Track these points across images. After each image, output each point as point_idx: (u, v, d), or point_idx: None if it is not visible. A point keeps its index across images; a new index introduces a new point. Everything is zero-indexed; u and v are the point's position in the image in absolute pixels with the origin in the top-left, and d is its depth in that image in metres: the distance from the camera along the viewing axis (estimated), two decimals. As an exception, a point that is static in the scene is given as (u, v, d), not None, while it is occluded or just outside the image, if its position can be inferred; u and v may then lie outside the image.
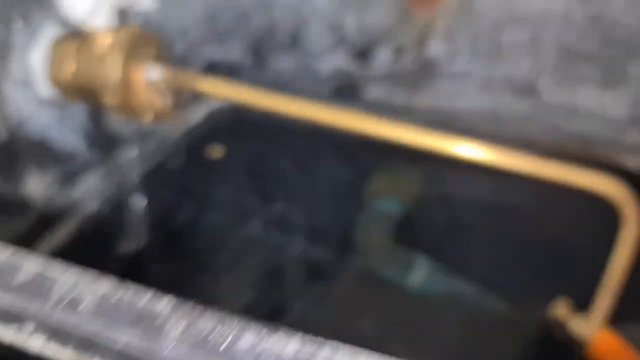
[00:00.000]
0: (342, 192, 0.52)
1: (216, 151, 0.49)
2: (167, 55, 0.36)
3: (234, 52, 0.53)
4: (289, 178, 0.54)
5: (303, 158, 0.53)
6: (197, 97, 0.53)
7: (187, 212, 0.47)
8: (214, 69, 0.54)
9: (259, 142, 0.53)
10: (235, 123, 0.54)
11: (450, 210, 0.47)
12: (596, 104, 0.45)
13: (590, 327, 0.34)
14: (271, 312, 0.47)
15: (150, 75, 0.34)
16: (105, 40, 0.33)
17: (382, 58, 0.49)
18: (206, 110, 0.54)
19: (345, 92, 0.51)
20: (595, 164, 0.47)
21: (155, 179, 0.46)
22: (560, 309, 0.36)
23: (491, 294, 0.43)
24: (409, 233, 0.47)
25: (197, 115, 0.53)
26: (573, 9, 0.42)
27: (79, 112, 0.39)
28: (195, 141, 0.51)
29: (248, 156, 0.53)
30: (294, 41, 0.51)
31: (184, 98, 0.42)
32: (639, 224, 0.31)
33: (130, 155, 0.44)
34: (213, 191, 0.50)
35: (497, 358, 0.41)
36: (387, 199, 0.47)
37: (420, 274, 0.43)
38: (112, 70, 0.32)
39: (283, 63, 0.52)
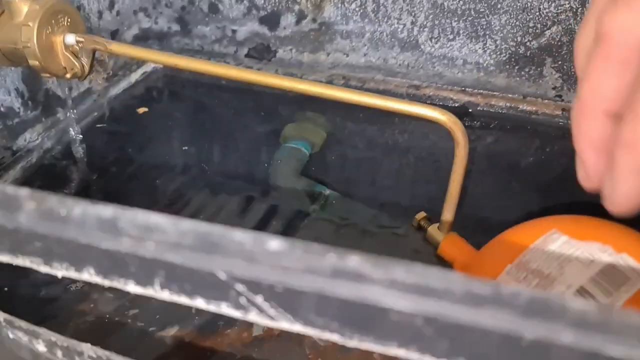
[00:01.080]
0: (264, 139, 0.60)
1: (142, 110, 0.56)
2: (82, 23, 0.43)
3: (161, 20, 0.59)
4: (218, 130, 0.61)
5: (231, 112, 0.60)
6: (130, 61, 0.59)
7: (124, 161, 0.54)
8: (146, 34, 0.61)
9: (190, 99, 0.60)
10: (169, 82, 0.61)
11: (348, 150, 0.54)
12: (468, 54, 0.52)
13: (440, 232, 0.42)
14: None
15: (66, 39, 0.41)
16: (23, 9, 0.39)
17: (287, 22, 0.55)
18: (141, 71, 0.60)
19: (260, 53, 0.58)
20: (472, 105, 0.54)
21: (92, 133, 0.53)
22: (420, 220, 0.44)
23: (382, 214, 0.50)
24: (315, 169, 0.54)
25: (134, 76, 0.60)
26: (440, -29, 0.49)
27: (11, 74, 0.46)
28: (131, 99, 0.58)
29: (180, 111, 0.60)
30: (212, 9, 0.57)
31: (102, 60, 0.48)
32: (466, 145, 0.39)
33: (67, 113, 0.51)
34: (147, 143, 0.57)
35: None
36: (296, 141, 0.55)
37: (323, 201, 0.51)
38: (29, 36, 0.39)
39: (205, 29, 0.59)
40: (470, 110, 0.54)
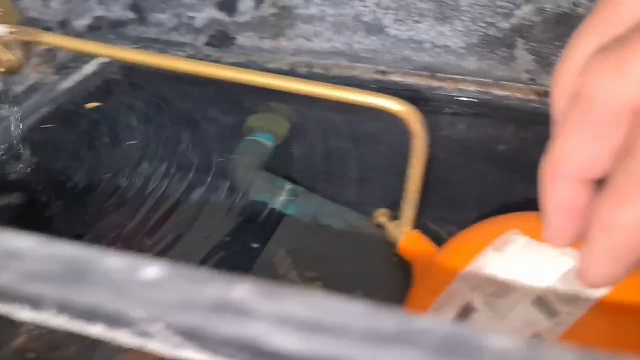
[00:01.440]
0: (228, 131, 0.57)
1: (91, 105, 0.53)
2: (15, 12, 0.40)
3: (115, 8, 0.56)
4: (179, 124, 0.58)
5: (193, 104, 0.57)
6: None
7: (72, 160, 0.51)
8: (99, 24, 0.58)
9: (149, 91, 0.57)
10: (127, 73, 0.58)
11: (315, 142, 0.51)
12: (436, 37, 0.49)
13: (400, 230, 0.39)
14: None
15: (-4, 31, 0.38)
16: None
17: (246, 6, 0.52)
18: (97, 62, 0.57)
19: (219, 40, 0.55)
20: (442, 90, 0.52)
21: (39, 131, 0.50)
22: (380, 217, 0.41)
23: (349, 210, 0.48)
24: (278, 163, 0.51)
25: (88, 67, 0.57)
26: (403, -51, 0.46)
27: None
28: (85, 93, 0.55)
29: (138, 105, 0.57)
30: (167, -5, 0.54)
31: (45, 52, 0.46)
32: (424, 138, 0.36)
33: (12, 110, 0.48)
34: (99, 139, 0.54)
35: (358, 257, 0.46)
36: (259, 134, 0.52)
37: (286, 196, 0.48)
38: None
39: (161, 17, 0.56)
40: (440, 95, 0.51)
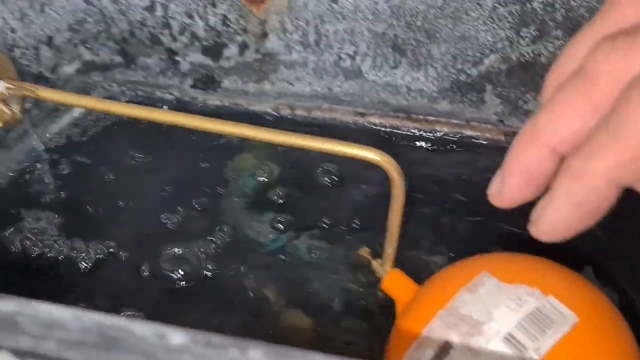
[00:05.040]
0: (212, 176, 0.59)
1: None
2: (11, 66, 0.42)
3: (103, 52, 0.58)
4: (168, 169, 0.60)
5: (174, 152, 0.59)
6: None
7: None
8: (88, 68, 0.60)
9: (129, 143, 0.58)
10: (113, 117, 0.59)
11: (299, 181, 0.54)
12: (411, 82, 0.53)
13: (382, 268, 0.42)
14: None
15: (-5, 88, 0.40)
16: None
17: (231, 53, 0.55)
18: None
19: (205, 83, 0.58)
20: (416, 130, 0.55)
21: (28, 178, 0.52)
22: (362, 255, 0.44)
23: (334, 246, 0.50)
24: (265, 200, 0.53)
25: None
26: (379, 2, 0.49)
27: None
28: (74, 136, 0.57)
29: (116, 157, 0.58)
30: (154, 40, 0.56)
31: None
32: (402, 185, 0.39)
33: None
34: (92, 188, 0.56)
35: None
36: (248, 173, 0.54)
37: (273, 233, 0.51)
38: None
39: (148, 60, 0.58)
40: (416, 135, 0.54)
